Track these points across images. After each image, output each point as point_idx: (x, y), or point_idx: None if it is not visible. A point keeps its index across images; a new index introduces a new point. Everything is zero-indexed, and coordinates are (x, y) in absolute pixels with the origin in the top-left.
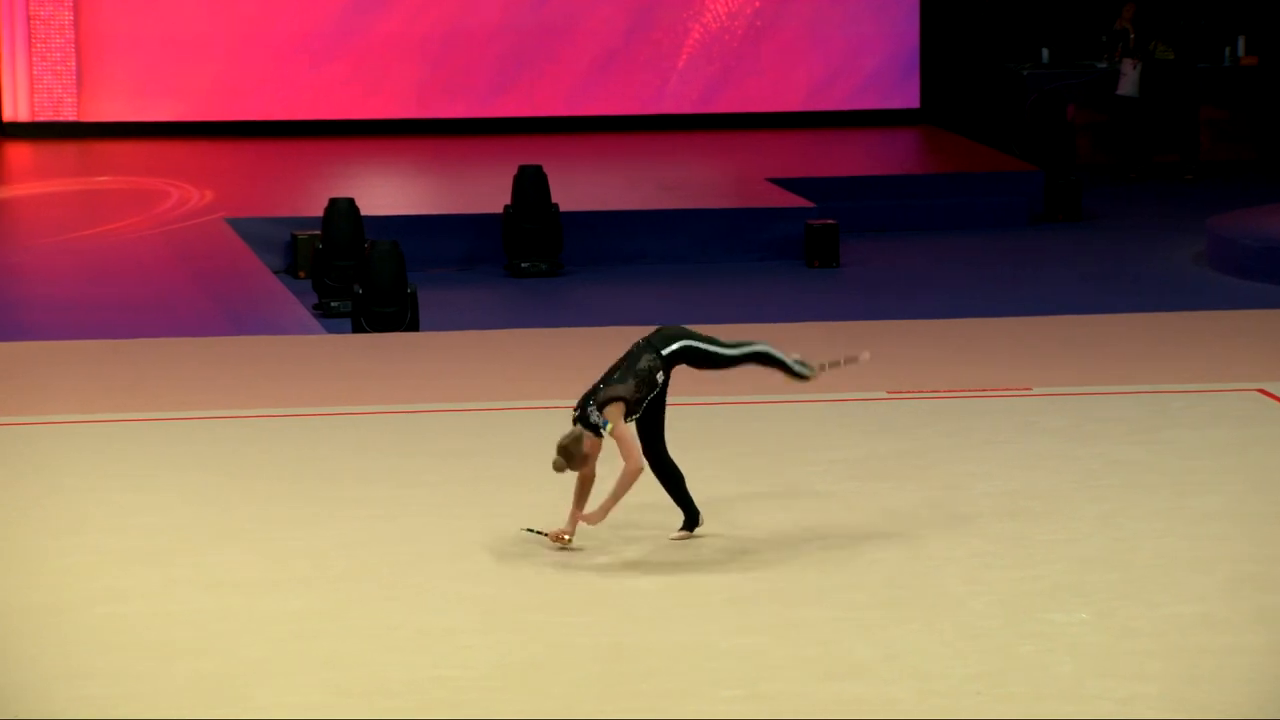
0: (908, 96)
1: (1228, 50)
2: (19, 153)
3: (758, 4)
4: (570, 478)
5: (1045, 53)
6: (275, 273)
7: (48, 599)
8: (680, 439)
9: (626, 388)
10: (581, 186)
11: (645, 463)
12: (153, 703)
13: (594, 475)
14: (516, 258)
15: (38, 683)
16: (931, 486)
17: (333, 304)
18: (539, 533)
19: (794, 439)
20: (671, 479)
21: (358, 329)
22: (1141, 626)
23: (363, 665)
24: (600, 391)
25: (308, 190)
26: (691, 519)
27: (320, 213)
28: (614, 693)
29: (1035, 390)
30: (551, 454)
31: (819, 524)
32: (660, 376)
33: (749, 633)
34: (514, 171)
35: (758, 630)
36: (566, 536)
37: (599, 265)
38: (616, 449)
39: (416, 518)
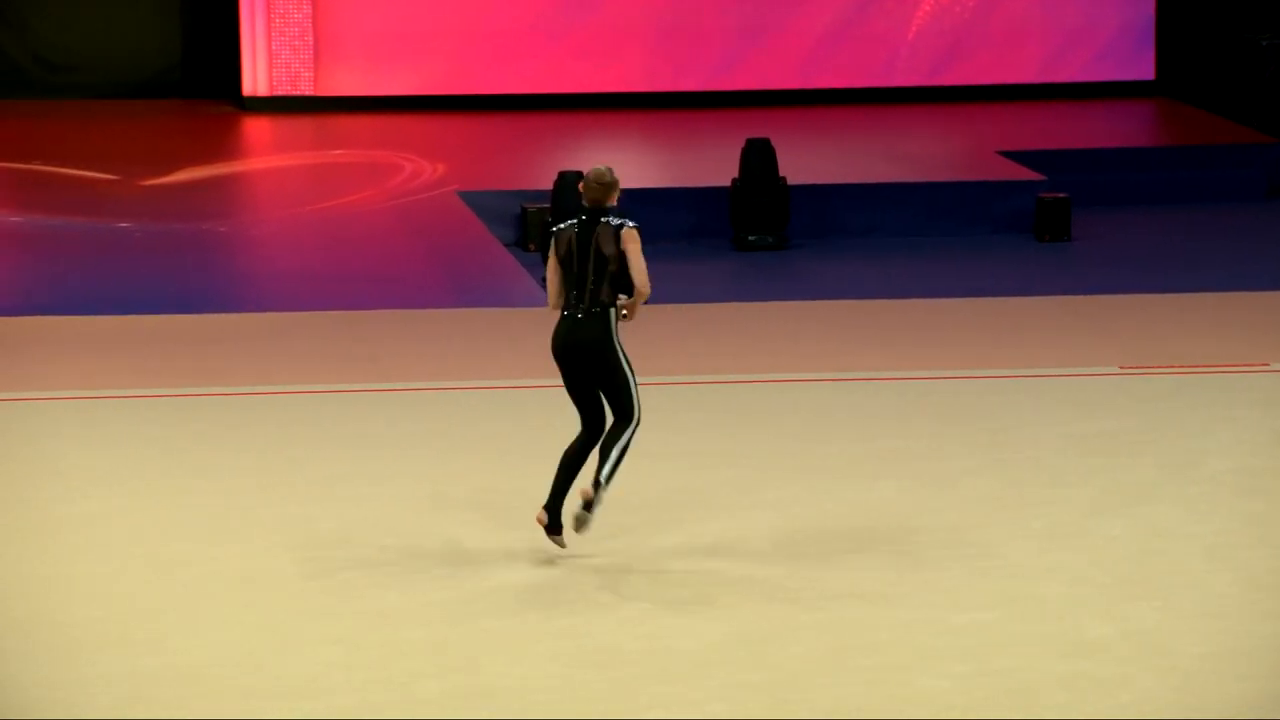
0: (1142, 68)
1: None
2: (258, 127)
3: None
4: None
5: None
6: (505, 245)
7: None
8: (936, 412)
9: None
10: (810, 160)
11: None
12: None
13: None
14: (743, 231)
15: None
16: (1167, 463)
17: None
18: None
19: (1029, 414)
20: (570, 469)
21: None
22: None
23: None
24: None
25: (538, 163)
26: (554, 515)
27: (550, 186)
28: (843, 666)
29: (1274, 366)
30: None
31: (1049, 499)
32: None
33: (979, 609)
34: (742, 144)
35: (988, 606)
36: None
37: (826, 239)
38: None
39: (659, 481)
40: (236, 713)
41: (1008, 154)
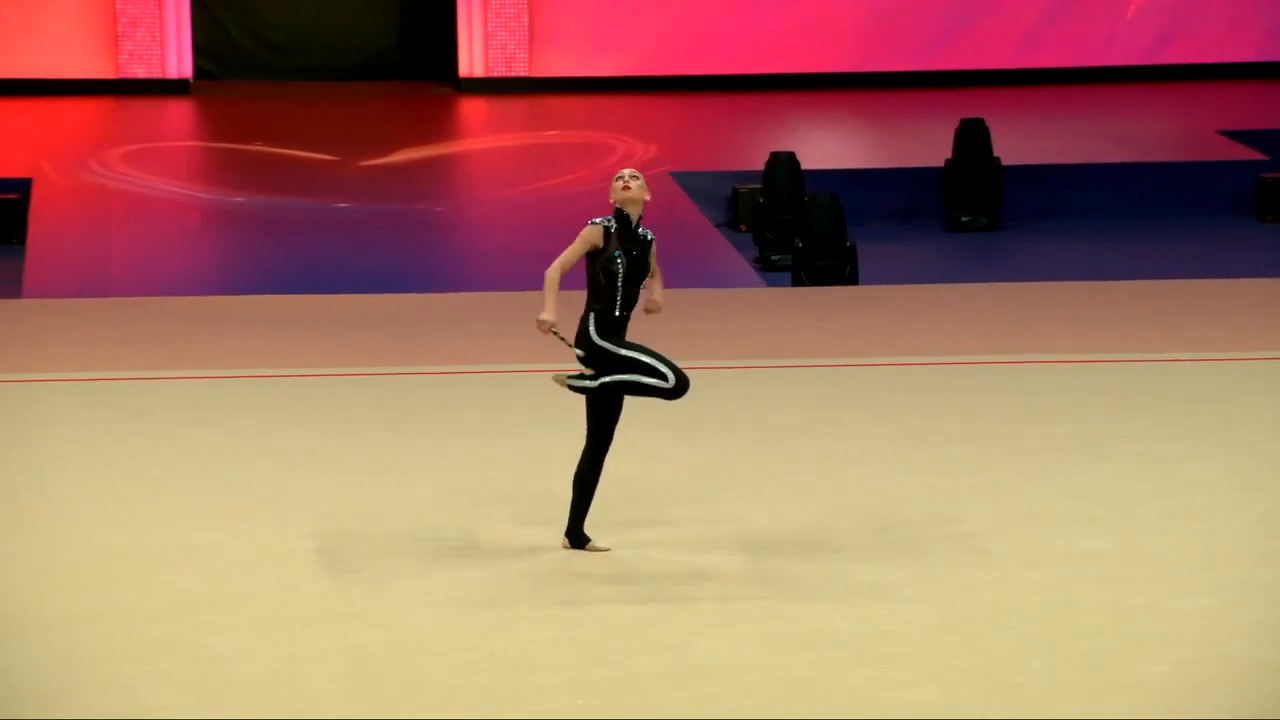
0: None
1: None
2: (473, 107)
3: None
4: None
5: None
6: (717, 226)
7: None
8: (1152, 394)
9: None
10: (1024, 140)
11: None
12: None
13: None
14: (956, 212)
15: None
16: None
17: (773, 257)
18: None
19: (1248, 397)
20: (587, 487)
21: (797, 282)
22: None
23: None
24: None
25: (749, 144)
26: (576, 536)
27: (761, 166)
28: (1057, 649)
29: None
30: None
31: (1270, 484)
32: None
33: (1199, 594)
34: (955, 124)
35: (1208, 592)
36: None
37: (1041, 220)
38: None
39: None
40: (473, 686)
41: (1228, 133)
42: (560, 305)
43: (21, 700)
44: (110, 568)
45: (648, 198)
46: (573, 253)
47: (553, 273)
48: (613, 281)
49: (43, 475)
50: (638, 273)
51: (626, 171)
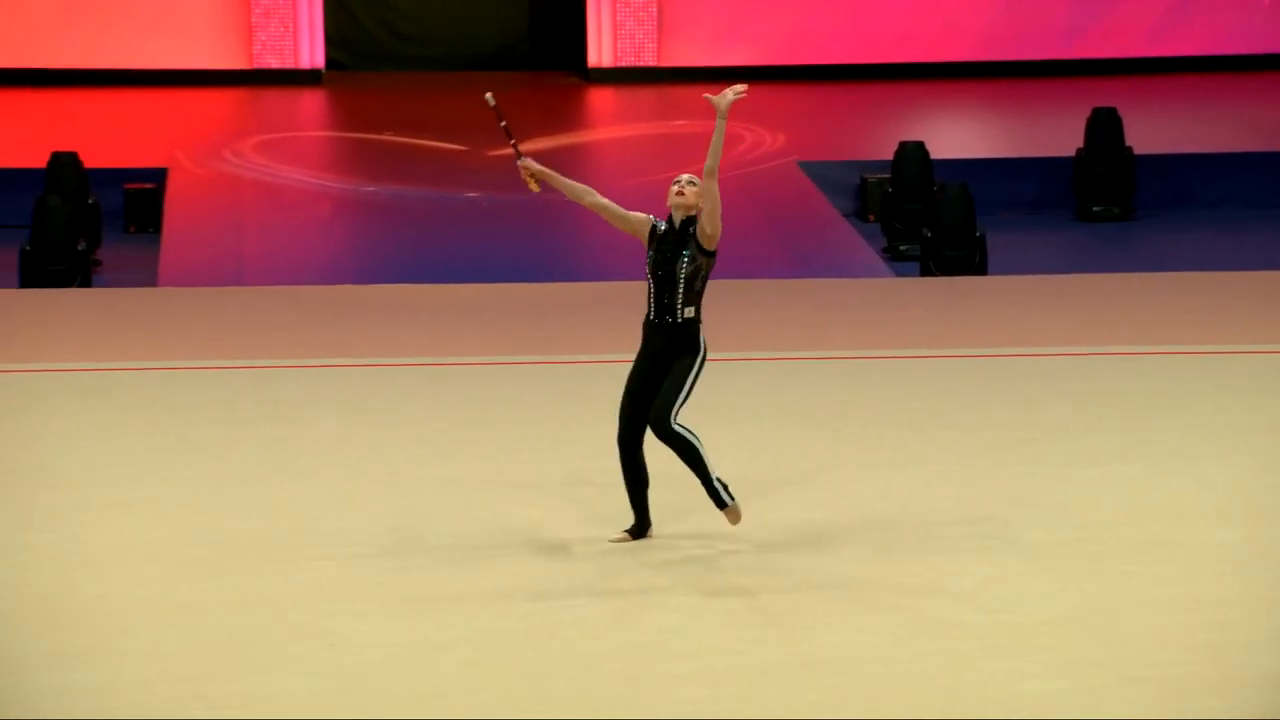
0: None
1: None
2: (602, 97)
3: None
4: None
5: None
6: (845, 216)
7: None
8: (1265, 388)
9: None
10: (1157, 129)
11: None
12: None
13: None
14: (1087, 201)
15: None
16: None
17: (901, 247)
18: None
19: None
20: (639, 482)
21: (925, 272)
22: None
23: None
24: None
25: (878, 134)
26: (642, 525)
27: (890, 156)
28: (1187, 643)
29: None
30: None
31: None
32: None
33: None
34: (1087, 114)
35: None
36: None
37: (1174, 210)
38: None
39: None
40: (602, 674)
41: None
42: (548, 184)
43: (153, 684)
44: (242, 554)
45: (703, 205)
46: (617, 210)
47: (592, 193)
48: (649, 284)
49: (173, 462)
50: (670, 274)
51: (684, 177)
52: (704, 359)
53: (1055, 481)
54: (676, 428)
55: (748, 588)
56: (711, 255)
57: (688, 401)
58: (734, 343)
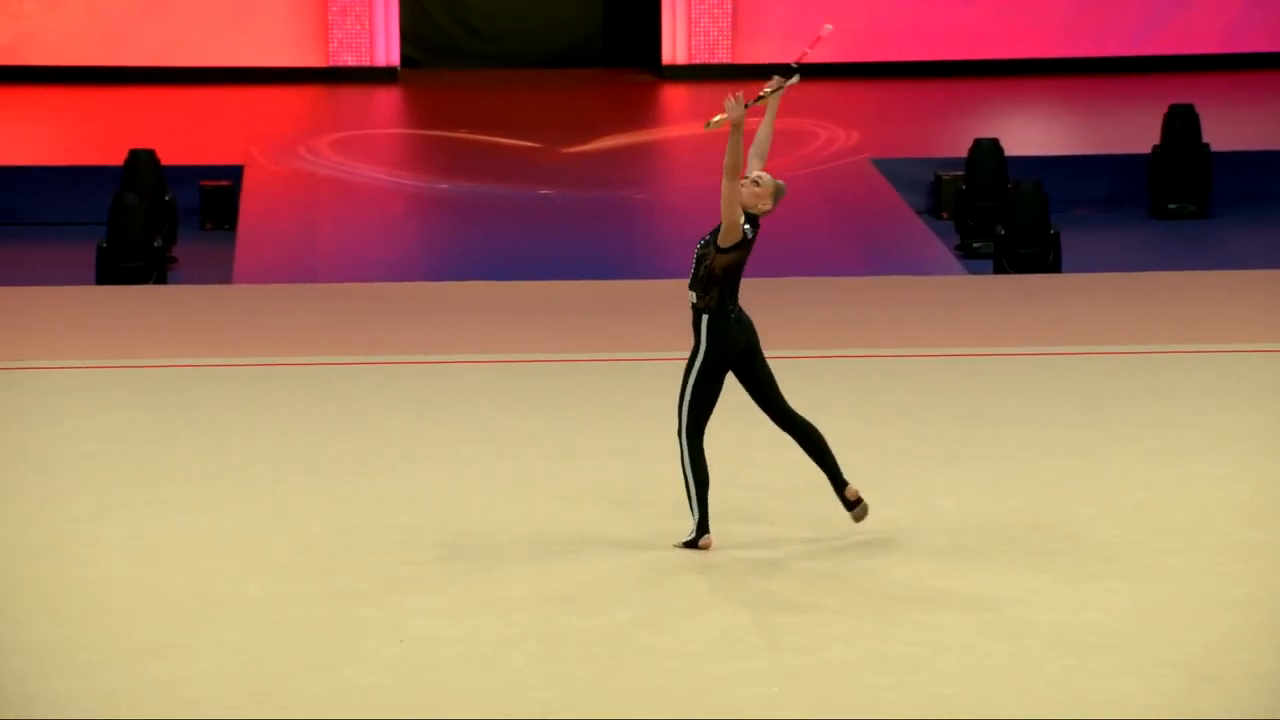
0: None
1: None
2: (676, 95)
3: None
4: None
5: None
6: (918, 213)
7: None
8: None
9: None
10: (1235, 126)
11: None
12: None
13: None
14: (1163, 199)
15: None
16: None
17: (975, 244)
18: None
19: None
20: (815, 445)
21: (999, 270)
22: None
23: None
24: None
25: (952, 131)
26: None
27: (964, 153)
28: (1260, 643)
29: None
30: None
31: None
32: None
33: None
34: (1163, 110)
35: None
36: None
37: (1251, 207)
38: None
39: (1064, 460)
40: (667, 672)
41: None
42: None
43: (224, 679)
44: (312, 550)
45: (766, 207)
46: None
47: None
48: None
49: (245, 459)
50: (699, 262)
51: (751, 174)
52: (708, 356)
53: (1129, 481)
54: (686, 446)
55: (816, 586)
56: (724, 251)
57: (703, 403)
58: (804, 339)
